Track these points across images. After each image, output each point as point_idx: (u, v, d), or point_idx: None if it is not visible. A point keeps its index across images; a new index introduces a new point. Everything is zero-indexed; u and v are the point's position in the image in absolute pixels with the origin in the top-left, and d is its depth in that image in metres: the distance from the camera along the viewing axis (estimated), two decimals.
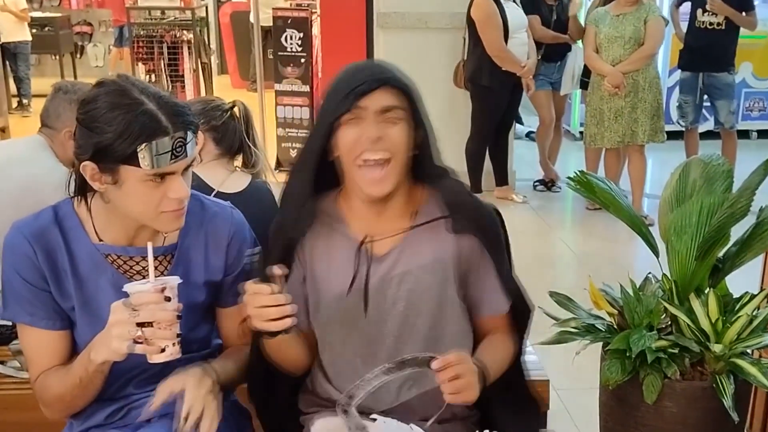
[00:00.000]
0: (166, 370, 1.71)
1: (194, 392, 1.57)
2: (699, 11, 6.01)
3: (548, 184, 6.45)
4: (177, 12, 8.78)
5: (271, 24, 6.97)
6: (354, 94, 1.58)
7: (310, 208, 1.71)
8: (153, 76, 8.07)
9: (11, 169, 2.60)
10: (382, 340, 1.71)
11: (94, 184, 1.58)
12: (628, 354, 2.03)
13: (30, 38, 9.43)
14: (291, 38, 6.70)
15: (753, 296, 2.15)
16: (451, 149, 5.78)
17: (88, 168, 1.55)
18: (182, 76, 8.07)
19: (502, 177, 6.09)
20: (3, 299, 1.68)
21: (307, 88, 6.75)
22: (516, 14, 5.59)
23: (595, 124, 5.62)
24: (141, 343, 1.49)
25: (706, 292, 2.13)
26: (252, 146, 2.47)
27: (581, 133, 6.71)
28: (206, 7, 10.41)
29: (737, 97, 6.82)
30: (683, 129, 6.37)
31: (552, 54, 6.08)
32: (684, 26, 6.33)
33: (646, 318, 2.12)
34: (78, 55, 11.92)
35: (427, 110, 1.69)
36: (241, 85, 10.80)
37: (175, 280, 1.54)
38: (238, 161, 2.51)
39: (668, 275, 2.18)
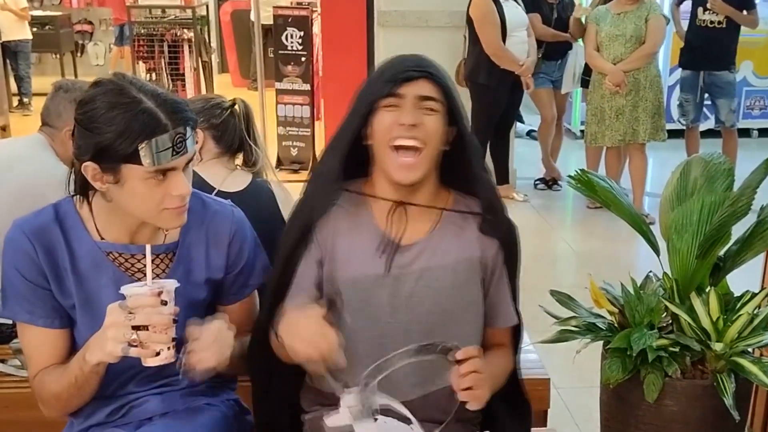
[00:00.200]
0: (166, 368, 1.72)
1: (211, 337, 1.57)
2: (700, 9, 6.01)
3: (549, 182, 6.45)
4: (177, 10, 8.78)
5: (271, 22, 6.96)
6: (396, 80, 1.63)
7: (337, 188, 1.73)
8: (153, 74, 8.07)
9: (12, 168, 2.60)
10: (393, 333, 1.71)
11: (96, 184, 1.58)
12: (628, 353, 2.03)
13: (30, 37, 9.43)
14: (292, 37, 6.70)
15: (754, 295, 2.15)
16: None
17: (90, 168, 1.55)
18: (183, 74, 8.07)
19: (502, 175, 6.09)
20: (2, 297, 1.68)
21: (307, 87, 6.75)
22: (515, 13, 5.58)
23: (596, 123, 5.62)
24: (136, 346, 1.49)
25: (707, 290, 2.13)
26: (252, 144, 2.46)
27: (582, 131, 6.70)
28: (207, 6, 10.41)
29: (738, 96, 6.81)
30: (684, 127, 6.37)
31: (553, 52, 6.08)
32: (685, 24, 6.33)
33: (647, 317, 2.11)
34: (79, 54, 11.92)
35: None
36: (241, 84, 10.80)
37: (172, 284, 1.54)
38: (239, 160, 2.51)
39: (669, 274, 2.18)
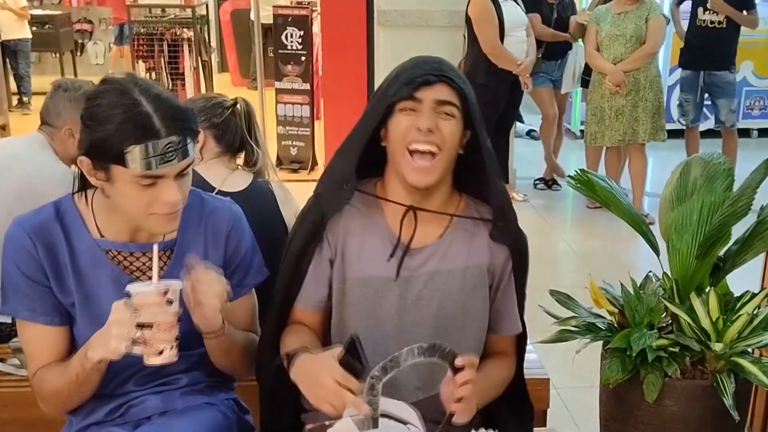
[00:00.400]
0: (165, 367, 1.71)
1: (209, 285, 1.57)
2: (700, 9, 6.01)
3: (549, 182, 6.46)
4: (177, 10, 8.78)
5: (271, 22, 6.96)
6: (415, 83, 1.64)
7: (350, 188, 1.72)
8: (153, 73, 8.07)
9: (11, 167, 2.60)
10: (399, 335, 1.71)
11: (91, 179, 1.58)
12: (628, 353, 2.03)
13: (30, 36, 9.43)
14: (291, 36, 6.70)
15: (754, 295, 2.15)
16: None
17: (84, 163, 1.56)
18: (182, 74, 8.06)
19: (502, 175, 6.08)
20: (2, 294, 1.68)
21: (307, 86, 6.75)
22: (513, 12, 5.58)
23: (595, 123, 5.62)
24: (139, 344, 1.49)
25: (706, 290, 2.13)
26: (253, 144, 2.45)
27: (582, 131, 6.71)
28: (207, 5, 10.41)
29: (738, 96, 6.81)
30: (684, 128, 6.36)
31: (553, 52, 6.08)
32: (684, 24, 6.33)
33: (647, 317, 2.11)
34: (78, 53, 11.93)
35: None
36: (241, 83, 10.80)
37: (178, 284, 1.55)
38: (240, 159, 2.50)
39: (669, 274, 2.17)
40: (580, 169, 2.27)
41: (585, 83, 6.05)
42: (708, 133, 6.66)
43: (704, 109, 6.36)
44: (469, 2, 5.55)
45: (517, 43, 5.60)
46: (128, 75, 1.59)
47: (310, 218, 1.75)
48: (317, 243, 1.74)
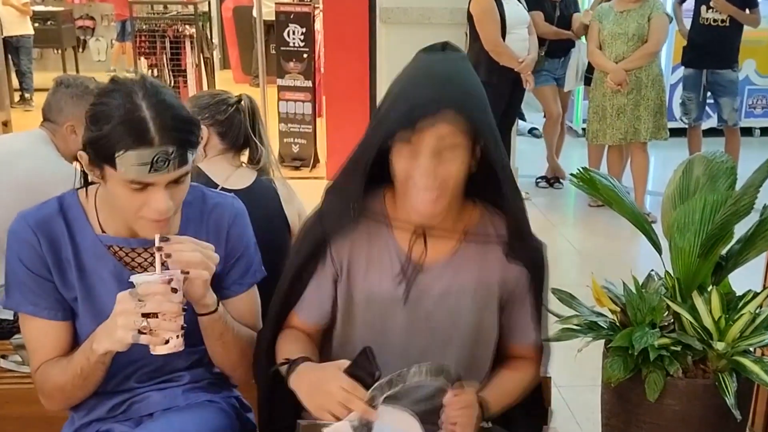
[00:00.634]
0: (167, 364, 1.72)
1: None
2: (703, 8, 6.00)
3: (551, 180, 6.45)
4: (179, 6, 8.76)
5: (273, 19, 6.96)
6: (412, 116, 1.50)
7: (356, 208, 1.64)
8: (155, 70, 8.05)
9: (14, 163, 2.61)
10: (406, 353, 1.67)
11: (89, 174, 1.59)
12: (630, 351, 2.02)
13: (32, 32, 9.44)
14: (293, 33, 6.69)
15: (756, 294, 2.15)
16: None
17: (83, 158, 1.57)
18: (184, 70, 8.05)
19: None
20: (6, 288, 1.68)
21: (309, 84, 6.75)
22: (515, 10, 5.58)
23: (597, 121, 5.61)
24: (146, 333, 1.50)
25: (708, 289, 2.13)
26: (257, 141, 2.45)
27: (584, 129, 6.70)
28: (209, 2, 10.40)
29: (740, 95, 6.80)
30: (686, 126, 6.36)
31: (556, 50, 6.07)
32: (687, 23, 6.32)
33: (649, 315, 2.11)
34: (80, 50, 11.94)
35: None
36: (243, 80, 10.79)
37: (181, 273, 1.54)
38: (245, 157, 2.50)
39: (671, 273, 2.17)
40: (582, 168, 2.27)
41: (588, 81, 6.04)
42: (710, 132, 6.65)
43: (707, 108, 6.36)
44: (471, 0, 5.55)
45: (519, 40, 5.60)
46: (139, 77, 1.57)
47: (312, 236, 1.70)
48: (320, 260, 1.70)
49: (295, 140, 6.85)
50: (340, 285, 1.70)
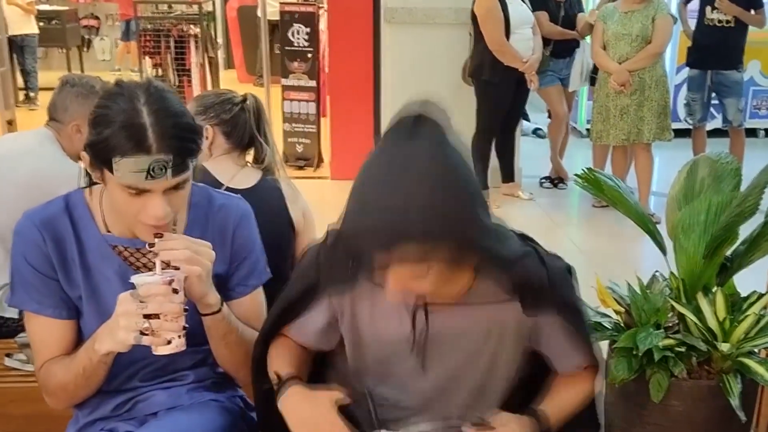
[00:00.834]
0: (172, 363, 1.72)
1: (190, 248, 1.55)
2: (708, 8, 5.98)
3: (555, 181, 6.45)
4: (184, 6, 8.77)
5: (278, 19, 6.96)
6: (368, 250, 1.34)
7: (355, 277, 1.52)
8: (159, 70, 8.06)
9: (19, 161, 2.61)
10: (420, 391, 1.62)
11: (91, 174, 1.59)
12: (634, 352, 2.03)
13: (37, 31, 9.44)
14: (298, 33, 6.69)
15: (761, 295, 2.15)
16: None
17: (85, 158, 1.56)
18: (189, 70, 8.05)
19: (508, 173, 6.08)
20: (11, 286, 1.68)
21: (313, 83, 6.75)
22: (519, 10, 5.58)
23: (601, 121, 5.61)
24: (147, 334, 1.50)
25: (713, 290, 2.13)
26: (262, 141, 2.45)
27: (588, 130, 6.69)
28: (213, 2, 10.40)
29: (745, 95, 6.79)
30: (690, 127, 6.35)
31: (560, 50, 6.07)
32: (692, 23, 6.31)
33: (653, 316, 2.11)
34: (85, 49, 11.95)
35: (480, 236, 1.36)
36: (247, 80, 10.80)
37: (182, 273, 1.54)
38: (250, 156, 2.50)
39: (676, 273, 2.18)
40: (587, 168, 2.27)
41: (594, 81, 6.03)
42: (715, 133, 6.64)
43: (711, 109, 6.34)
44: (475, 0, 5.56)
45: (523, 40, 5.60)
46: (146, 81, 1.56)
47: (306, 282, 1.60)
48: (315, 300, 1.60)
49: (300, 140, 6.86)
50: (342, 325, 1.63)
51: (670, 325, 2.16)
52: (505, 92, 5.67)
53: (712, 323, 2.07)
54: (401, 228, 1.29)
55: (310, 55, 6.71)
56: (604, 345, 2.15)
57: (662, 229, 2.27)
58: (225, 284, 1.77)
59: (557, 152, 6.42)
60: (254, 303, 1.82)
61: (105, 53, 12.45)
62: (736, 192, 2.17)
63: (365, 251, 1.34)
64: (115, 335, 1.51)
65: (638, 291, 2.16)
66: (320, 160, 6.86)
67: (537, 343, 1.62)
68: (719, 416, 2.05)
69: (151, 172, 1.47)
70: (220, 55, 10.37)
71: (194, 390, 1.78)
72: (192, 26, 8.09)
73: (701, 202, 2.13)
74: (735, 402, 1.97)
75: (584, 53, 6.07)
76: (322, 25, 6.89)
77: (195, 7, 8.47)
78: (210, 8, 9.71)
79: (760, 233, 2.16)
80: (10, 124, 7.26)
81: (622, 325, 2.17)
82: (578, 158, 6.77)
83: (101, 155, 1.49)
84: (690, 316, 2.08)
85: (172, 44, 7.96)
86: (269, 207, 2.33)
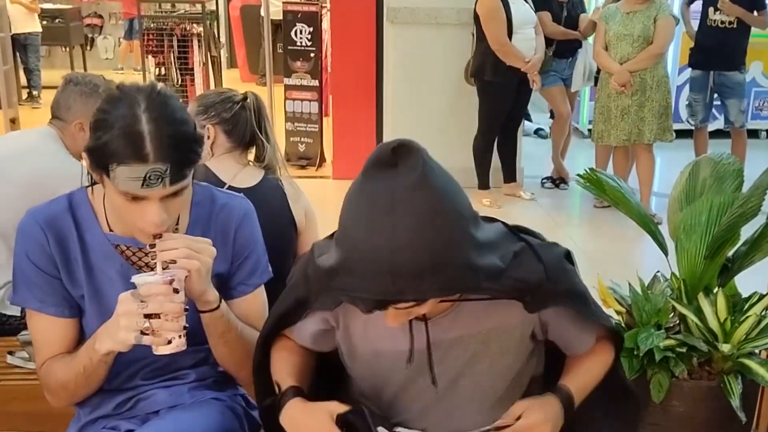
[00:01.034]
0: (173, 362, 1.72)
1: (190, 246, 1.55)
2: (710, 9, 5.98)
3: (556, 181, 6.45)
4: (187, 5, 8.77)
5: (281, 18, 6.97)
6: (364, 306, 1.35)
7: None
8: (162, 69, 8.07)
9: (22, 160, 2.62)
10: (423, 398, 1.60)
11: (93, 175, 1.59)
12: (635, 352, 2.03)
13: (40, 30, 9.46)
14: (301, 32, 6.70)
15: (762, 296, 2.15)
16: (460, 145, 5.77)
17: (86, 160, 1.56)
18: (192, 69, 8.05)
19: (510, 174, 6.09)
20: (14, 284, 1.68)
21: (316, 83, 6.75)
22: (522, 10, 5.59)
23: (602, 122, 5.61)
24: (148, 334, 1.50)
25: (714, 291, 2.13)
26: (263, 139, 2.45)
27: (589, 130, 6.69)
28: (216, 1, 10.42)
29: (747, 96, 6.78)
30: (692, 128, 6.35)
31: (563, 50, 6.07)
32: (695, 24, 6.30)
33: (654, 317, 2.12)
34: (88, 47, 11.96)
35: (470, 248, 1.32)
36: (250, 79, 10.80)
37: (182, 273, 1.54)
38: (252, 155, 2.50)
39: (677, 274, 2.18)
40: (589, 168, 2.27)
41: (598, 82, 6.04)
42: (717, 134, 6.64)
43: (713, 110, 6.34)
44: (477, 0, 5.56)
45: (525, 40, 5.60)
46: (149, 86, 1.54)
47: (298, 293, 1.60)
48: (309, 311, 1.60)
49: (302, 139, 6.86)
50: (339, 335, 1.62)
51: (671, 325, 2.16)
52: (507, 92, 5.67)
53: (713, 324, 2.07)
54: (393, 291, 1.28)
55: (312, 55, 6.71)
56: None
57: (664, 229, 2.28)
58: (226, 283, 1.78)
59: (559, 152, 6.42)
60: (256, 302, 1.82)
61: (108, 52, 12.46)
62: (737, 193, 2.17)
63: (357, 301, 1.34)
64: (116, 335, 1.51)
65: (639, 291, 2.16)
66: (322, 159, 6.86)
67: (545, 334, 1.62)
68: (720, 417, 2.05)
69: (148, 181, 1.46)
70: (223, 54, 10.38)
71: (196, 389, 1.78)
72: (195, 25, 8.09)
73: (703, 202, 2.13)
74: (735, 403, 1.97)
75: (587, 54, 6.08)
76: (325, 24, 6.90)
77: (198, 6, 8.47)
78: (213, 7, 9.74)
79: (761, 234, 2.16)
80: (13, 123, 7.28)
81: (623, 325, 2.18)
82: (580, 158, 6.77)
83: (99, 161, 1.49)
84: (691, 317, 2.08)
85: (175, 43, 7.96)
86: (271, 206, 2.33)
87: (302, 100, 6.79)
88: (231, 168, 2.39)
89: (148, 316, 1.49)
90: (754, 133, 7.67)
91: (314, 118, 6.80)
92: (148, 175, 1.46)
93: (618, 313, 2.19)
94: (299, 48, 6.73)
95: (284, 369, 1.64)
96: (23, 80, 9.44)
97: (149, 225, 1.53)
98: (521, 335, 1.58)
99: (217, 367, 1.82)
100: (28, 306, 1.68)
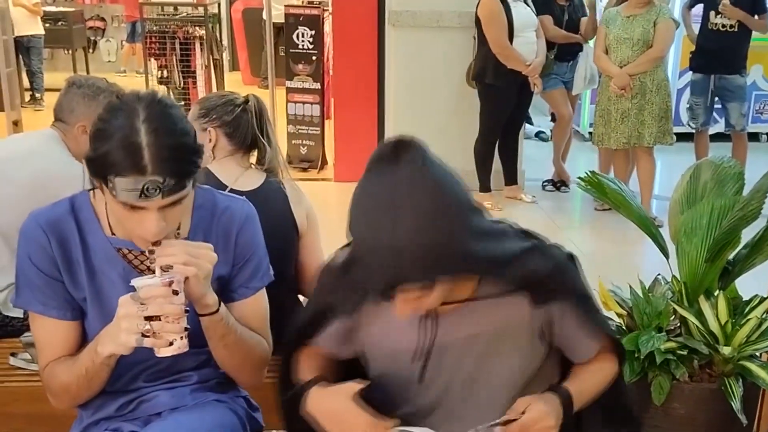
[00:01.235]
0: (175, 364, 1.73)
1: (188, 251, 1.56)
2: (711, 13, 5.99)
3: (557, 184, 6.45)
4: (189, 8, 8.80)
5: (283, 21, 6.98)
6: (372, 293, 1.45)
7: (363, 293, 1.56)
8: (165, 71, 8.09)
9: (25, 162, 2.62)
10: (436, 401, 1.63)
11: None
12: (636, 355, 2.03)
13: (43, 32, 9.47)
14: (303, 36, 6.71)
15: (763, 299, 2.16)
16: (461, 148, 5.78)
17: (86, 166, 1.56)
18: (194, 72, 8.07)
19: (511, 176, 6.09)
20: (16, 287, 1.69)
21: (318, 86, 6.76)
22: (523, 14, 5.59)
23: (602, 124, 5.62)
24: (149, 336, 1.50)
25: (715, 294, 2.14)
26: (265, 142, 2.46)
27: (590, 133, 6.70)
28: (219, 4, 10.43)
29: (748, 100, 6.79)
30: (693, 131, 6.35)
31: (564, 54, 6.08)
32: (696, 28, 6.31)
33: (655, 319, 2.12)
34: (90, 50, 11.97)
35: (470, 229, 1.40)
36: (252, 82, 10.81)
37: (182, 275, 1.55)
38: (254, 158, 2.51)
39: (678, 277, 2.18)
40: (590, 171, 2.28)
41: None
42: (717, 137, 6.64)
43: (714, 113, 6.35)
44: (478, 3, 5.57)
45: (527, 44, 5.61)
46: (150, 95, 1.54)
47: (315, 306, 1.68)
48: (332, 318, 1.66)
49: (304, 142, 6.87)
50: (359, 334, 1.66)
51: (672, 328, 2.17)
52: (508, 95, 5.68)
53: (714, 327, 2.07)
54: (398, 273, 1.35)
55: (314, 58, 6.72)
56: None
57: (665, 232, 2.28)
58: (227, 286, 1.78)
59: (560, 155, 6.42)
60: (257, 305, 1.82)
61: (111, 55, 12.47)
62: (738, 196, 2.17)
63: (368, 291, 1.44)
64: (117, 338, 1.51)
65: (640, 294, 2.16)
66: (324, 162, 6.87)
67: (551, 336, 1.63)
68: (720, 419, 2.06)
69: (145, 192, 1.46)
70: (225, 57, 10.39)
71: (198, 390, 1.78)
72: (197, 28, 8.11)
73: (704, 205, 2.14)
74: (736, 405, 1.98)
75: (588, 57, 6.08)
76: (327, 27, 6.91)
77: (200, 9, 8.50)
78: (215, 10, 9.75)
79: (762, 237, 2.16)
80: (16, 125, 7.29)
81: (624, 328, 2.18)
82: (580, 161, 6.78)
83: (98, 171, 1.49)
84: (692, 320, 2.08)
85: (177, 46, 7.99)
86: (273, 209, 2.33)
87: (304, 102, 6.80)
88: (233, 171, 2.39)
89: (148, 319, 1.50)
90: (754, 137, 7.67)
91: (316, 120, 6.81)
92: (146, 187, 1.46)
93: (619, 315, 2.20)
94: (301, 51, 6.74)
95: (305, 370, 1.67)
96: (26, 83, 9.45)
97: (147, 234, 1.53)
98: (530, 334, 1.60)
99: (220, 368, 1.82)
100: (31, 308, 1.69)
